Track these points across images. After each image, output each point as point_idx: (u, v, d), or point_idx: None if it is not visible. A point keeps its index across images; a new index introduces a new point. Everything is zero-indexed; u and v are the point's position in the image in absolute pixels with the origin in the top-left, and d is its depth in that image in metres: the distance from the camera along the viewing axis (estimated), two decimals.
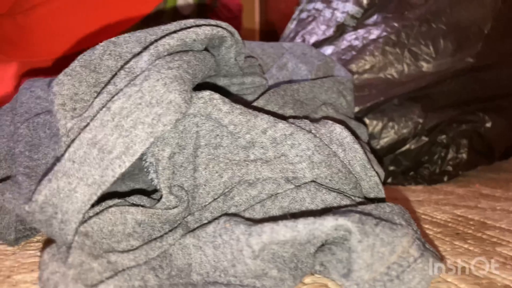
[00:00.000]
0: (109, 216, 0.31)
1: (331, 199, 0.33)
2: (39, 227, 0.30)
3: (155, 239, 0.31)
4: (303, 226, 0.27)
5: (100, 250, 0.29)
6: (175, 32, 0.38)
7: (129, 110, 0.31)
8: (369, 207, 0.31)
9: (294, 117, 0.39)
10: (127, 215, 0.31)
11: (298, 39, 0.80)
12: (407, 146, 0.68)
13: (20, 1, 0.81)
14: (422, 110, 0.67)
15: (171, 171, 0.34)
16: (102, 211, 0.31)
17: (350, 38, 0.71)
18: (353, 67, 0.68)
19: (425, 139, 0.68)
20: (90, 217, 0.30)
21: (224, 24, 0.42)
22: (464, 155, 0.70)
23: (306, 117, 0.41)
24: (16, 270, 0.33)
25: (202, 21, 0.41)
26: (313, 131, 0.37)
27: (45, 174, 0.30)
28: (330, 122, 0.38)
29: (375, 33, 0.69)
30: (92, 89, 0.35)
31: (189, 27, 0.39)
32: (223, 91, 0.44)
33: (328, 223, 0.26)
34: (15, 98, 0.45)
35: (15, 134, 0.40)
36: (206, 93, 0.35)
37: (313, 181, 0.34)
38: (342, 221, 0.26)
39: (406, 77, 0.67)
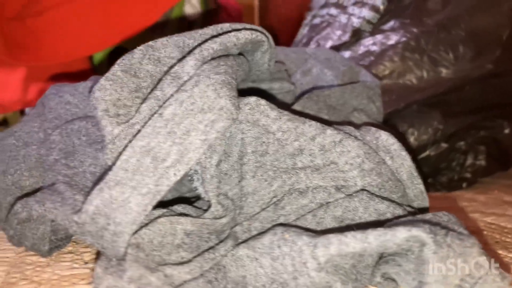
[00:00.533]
0: (159, 226, 0.29)
1: (384, 208, 0.32)
2: (88, 239, 0.29)
3: (207, 250, 0.30)
4: (374, 238, 0.26)
5: (153, 263, 0.28)
6: (214, 36, 0.37)
7: (182, 117, 0.29)
8: (427, 217, 0.30)
9: (338, 123, 0.38)
10: (177, 226, 0.30)
11: (312, 45, 0.79)
12: (426, 153, 0.68)
13: (29, 5, 0.79)
14: (442, 116, 0.67)
15: (219, 180, 0.33)
16: (151, 221, 0.30)
17: (368, 43, 0.71)
18: (372, 72, 0.67)
19: (444, 145, 0.68)
20: (140, 228, 0.29)
21: (259, 28, 0.41)
22: (483, 162, 0.70)
23: (349, 123, 0.40)
24: (57, 284, 0.32)
25: (238, 25, 0.40)
26: (359, 138, 0.36)
27: (96, 183, 0.29)
28: (374, 128, 0.38)
29: (393, 38, 0.69)
30: (133, 94, 0.34)
31: (227, 32, 0.38)
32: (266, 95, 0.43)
33: (401, 234, 0.25)
34: (41, 103, 0.43)
35: (47, 141, 0.38)
36: (252, 99, 0.34)
37: (363, 189, 0.33)
38: (415, 232, 0.25)
39: (425, 83, 0.67)
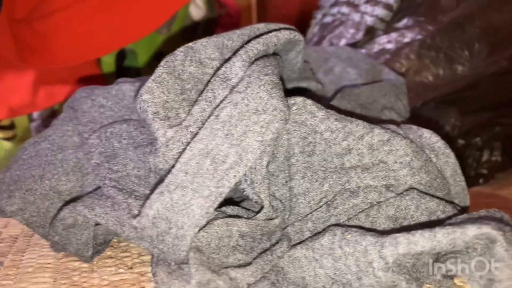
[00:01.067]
0: (216, 229, 0.29)
1: (435, 206, 0.32)
2: (144, 243, 0.28)
3: (264, 252, 0.30)
4: (443, 236, 0.26)
5: (215, 266, 0.28)
6: (256, 37, 0.37)
7: (238, 118, 0.29)
8: (482, 213, 0.30)
9: (382, 122, 0.38)
10: (233, 228, 0.30)
11: (325, 43, 0.79)
12: None
13: (37, 7, 0.78)
14: (458, 113, 0.67)
15: (268, 181, 0.32)
16: (207, 224, 0.29)
17: (383, 42, 0.71)
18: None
19: (461, 142, 0.68)
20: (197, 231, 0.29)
21: (293, 27, 0.41)
22: (498, 158, 0.70)
23: (392, 122, 0.40)
24: None
25: (273, 25, 0.40)
26: (403, 136, 0.36)
27: (154, 187, 0.28)
28: (415, 126, 0.38)
29: (409, 36, 0.69)
30: (179, 96, 0.33)
31: (264, 32, 0.38)
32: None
33: (471, 232, 0.25)
34: (70, 107, 0.43)
35: (86, 145, 0.38)
36: (299, 99, 0.34)
37: (412, 188, 0.33)
38: (485, 229, 0.25)
39: (441, 80, 0.67)
